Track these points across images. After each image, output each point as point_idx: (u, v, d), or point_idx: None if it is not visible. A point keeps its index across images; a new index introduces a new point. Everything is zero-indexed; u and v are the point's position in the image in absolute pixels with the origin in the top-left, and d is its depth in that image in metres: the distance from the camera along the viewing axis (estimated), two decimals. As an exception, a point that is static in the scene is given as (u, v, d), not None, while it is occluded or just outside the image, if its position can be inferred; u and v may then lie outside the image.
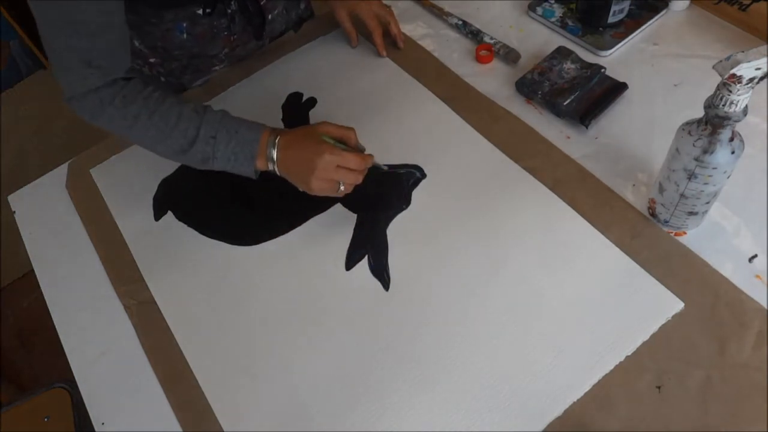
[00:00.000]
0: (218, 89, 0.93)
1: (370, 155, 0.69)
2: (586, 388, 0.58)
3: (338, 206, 0.76)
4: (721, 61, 0.49)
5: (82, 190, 0.85)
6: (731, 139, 0.55)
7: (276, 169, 0.68)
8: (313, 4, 1.05)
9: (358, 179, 0.68)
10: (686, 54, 0.83)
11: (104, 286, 0.75)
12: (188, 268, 0.74)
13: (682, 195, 0.61)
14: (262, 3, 0.88)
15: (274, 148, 0.67)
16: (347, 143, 0.69)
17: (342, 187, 0.67)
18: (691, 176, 0.58)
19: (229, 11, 0.85)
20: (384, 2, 0.93)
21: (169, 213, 0.80)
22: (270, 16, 0.92)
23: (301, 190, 0.68)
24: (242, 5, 0.85)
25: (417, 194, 0.76)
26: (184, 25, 0.83)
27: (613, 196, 0.71)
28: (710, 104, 0.53)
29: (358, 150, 0.71)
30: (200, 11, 0.82)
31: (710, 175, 0.57)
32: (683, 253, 0.65)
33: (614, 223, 0.68)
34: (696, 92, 0.61)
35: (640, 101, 0.79)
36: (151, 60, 0.89)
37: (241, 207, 0.79)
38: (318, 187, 0.66)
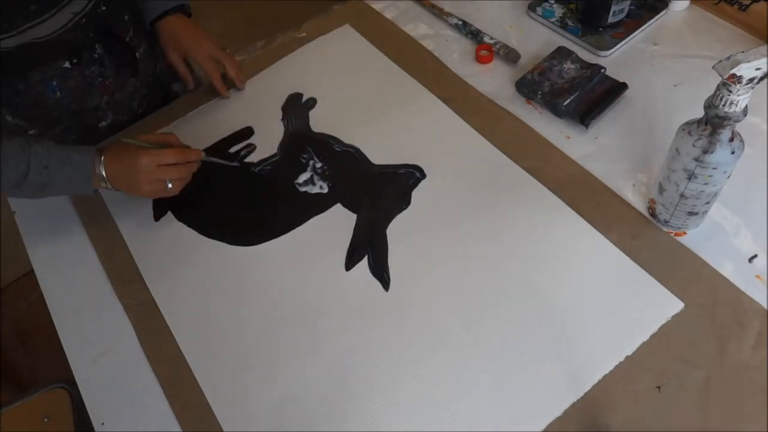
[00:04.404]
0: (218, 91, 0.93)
1: (198, 150, 0.76)
2: (586, 388, 0.58)
3: (338, 206, 0.76)
4: (721, 61, 0.49)
5: (82, 190, 0.85)
6: (731, 139, 0.55)
7: (110, 186, 0.72)
8: (313, 4, 1.05)
9: (182, 172, 0.73)
10: (686, 54, 0.83)
11: (104, 286, 0.74)
12: (188, 268, 0.74)
13: (682, 195, 0.61)
14: (127, 39, 0.86)
15: (101, 167, 0.71)
16: (170, 145, 0.74)
17: (170, 185, 0.72)
18: (691, 176, 0.58)
19: (96, 56, 0.82)
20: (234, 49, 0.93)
21: (169, 213, 0.80)
22: (138, 54, 0.89)
23: (136, 196, 0.73)
24: (107, 46, 0.83)
25: (417, 194, 0.75)
26: (54, 83, 0.80)
27: (613, 196, 0.71)
28: (710, 104, 0.53)
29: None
30: (67, 64, 0.79)
31: (710, 175, 0.57)
32: (683, 253, 0.65)
33: (614, 223, 0.68)
34: (696, 92, 0.61)
35: (640, 101, 0.79)
36: (31, 132, 0.85)
37: (240, 207, 0.79)
38: (147, 189, 0.72)
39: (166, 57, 0.91)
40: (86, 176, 0.70)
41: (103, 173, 0.71)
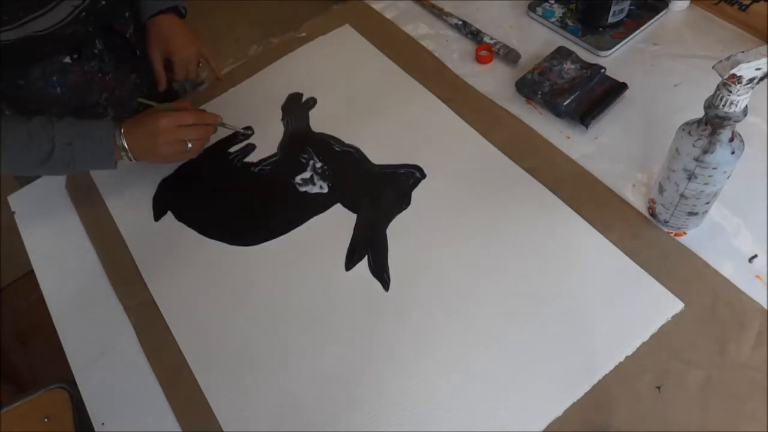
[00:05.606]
0: (218, 91, 0.93)
1: (215, 115, 0.78)
2: (586, 388, 0.58)
3: (338, 206, 0.76)
4: (721, 61, 0.49)
5: (82, 190, 0.85)
6: (731, 140, 0.55)
7: (131, 156, 0.73)
8: (313, 4, 1.05)
9: (201, 133, 0.74)
10: (686, 54, 0.83)
11: (104, 286, 0.75)
12: (188, 268, 0.74)
13: (682, 195, 0.61)
14: (128, 36, 0.86)
15: (122, 137, 0.72)
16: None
17: (190, 145, 0.73)
18: (691, 176, 0.58)
19: (96, 51, 0.83)
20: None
21: (169, 213, 0.80)
22: (138, 52, 0.88)
23: (157, 163, 0.75)
24: (107, 41, 0.83)
25: (417, 194, 0.76)
26: (54, 78, 0.80)
27: (613, 196, 0.71)
28: (710, 104, 0.53)
29: None
30: (67, 59, 0.80)
31: (710, 176, 0.57)
32: (683, 253, 0.65)
33: (614, 223, 0.68)
34: (696, 92, 0.62)
35: (640, 101, 0.79)
36: None
37: (240, 207, 0.79)
38: (167, 151, 0.72)
39: (148, 53, 0.90)
40: (108, 151, 0.72)
41: (124, 143, 0.72)
